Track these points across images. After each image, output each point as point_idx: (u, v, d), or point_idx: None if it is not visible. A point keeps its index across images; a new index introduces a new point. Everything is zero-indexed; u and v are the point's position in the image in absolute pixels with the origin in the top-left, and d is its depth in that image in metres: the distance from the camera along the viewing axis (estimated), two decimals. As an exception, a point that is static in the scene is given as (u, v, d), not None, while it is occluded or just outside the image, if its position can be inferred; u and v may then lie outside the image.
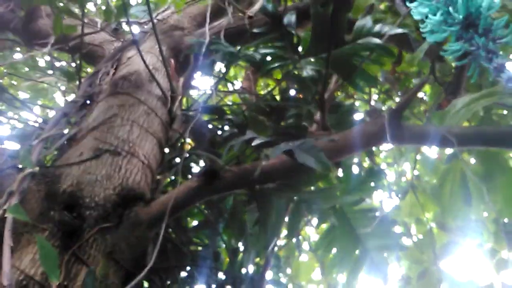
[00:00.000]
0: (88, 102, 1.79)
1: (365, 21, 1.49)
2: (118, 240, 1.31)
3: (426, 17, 1.25)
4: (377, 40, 1.45)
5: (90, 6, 3.31)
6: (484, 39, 1.07)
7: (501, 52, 1.09)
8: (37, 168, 1.28)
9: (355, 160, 2.12)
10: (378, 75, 2.76)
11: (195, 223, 2.07)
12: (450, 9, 1.15)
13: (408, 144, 1.79)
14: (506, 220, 2.31)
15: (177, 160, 1.78)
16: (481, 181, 1.86)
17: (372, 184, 1.85)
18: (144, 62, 1.68)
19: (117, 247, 1.30)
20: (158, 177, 1.68)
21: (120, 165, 1.43)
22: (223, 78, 1.82)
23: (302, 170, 1.43)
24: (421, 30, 1.23)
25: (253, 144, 1.27)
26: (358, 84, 1.64)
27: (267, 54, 1.62)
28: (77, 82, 2.07)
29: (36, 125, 1.98)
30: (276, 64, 1.62)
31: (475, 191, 1.88)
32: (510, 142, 1.34)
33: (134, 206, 1.33)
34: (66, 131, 1.58)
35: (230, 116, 1.59)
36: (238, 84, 3.51)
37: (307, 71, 1.61)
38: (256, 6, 1.18)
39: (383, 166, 3.58)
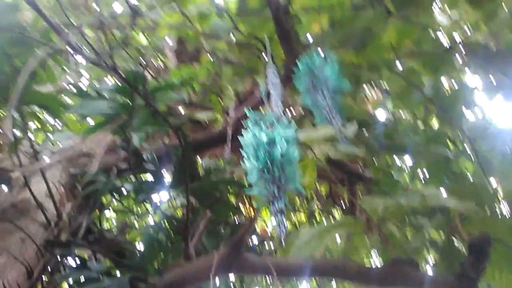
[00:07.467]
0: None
1: (208, 162, 1.69)
2: None
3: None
4: (229, 177, 1.62)
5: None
6: (272, 185, 1.22)
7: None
8: None
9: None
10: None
11: None
12: (252, 157, 1.32)
13: (250, 275, 1.84)
14: None
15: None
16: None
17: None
18: (30, 190, 1.81)
19: None
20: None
21: (-29, 296, 1.46)
22: (94, 208, 1.93)
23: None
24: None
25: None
26: (221, 213, 1.77)
27: (138, 185, 1.78)
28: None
29: None
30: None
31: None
32: (334, 274, 1.40)
33: None
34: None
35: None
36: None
37: (179, 200, 1.75)
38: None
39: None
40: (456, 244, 1.63)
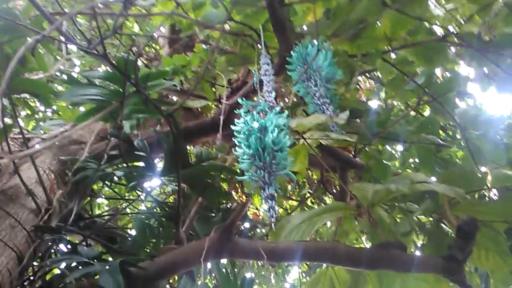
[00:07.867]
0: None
1: (200, 149, 1.69)
2: None
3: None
4: (221, 163, 1.62)
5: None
6: (263, 171, 1.22)
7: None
8: None
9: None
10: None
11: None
12: (243, 144, 1.32)
13: (241, 259, 1.85)
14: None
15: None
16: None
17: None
18: (20, 176, 1.80)
19: None
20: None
21: (-40, 281, 1.45)
22: (85, 194, 1.92)
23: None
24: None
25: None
26: (213, 199, 1.77)
27: (128, 172, 1.77)
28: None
29: None
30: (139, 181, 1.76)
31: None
32: (324, 258, 1.41)
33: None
34: None
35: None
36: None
37: (171, 186, 1.74)
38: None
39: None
40: (444, 227, 1.65)
